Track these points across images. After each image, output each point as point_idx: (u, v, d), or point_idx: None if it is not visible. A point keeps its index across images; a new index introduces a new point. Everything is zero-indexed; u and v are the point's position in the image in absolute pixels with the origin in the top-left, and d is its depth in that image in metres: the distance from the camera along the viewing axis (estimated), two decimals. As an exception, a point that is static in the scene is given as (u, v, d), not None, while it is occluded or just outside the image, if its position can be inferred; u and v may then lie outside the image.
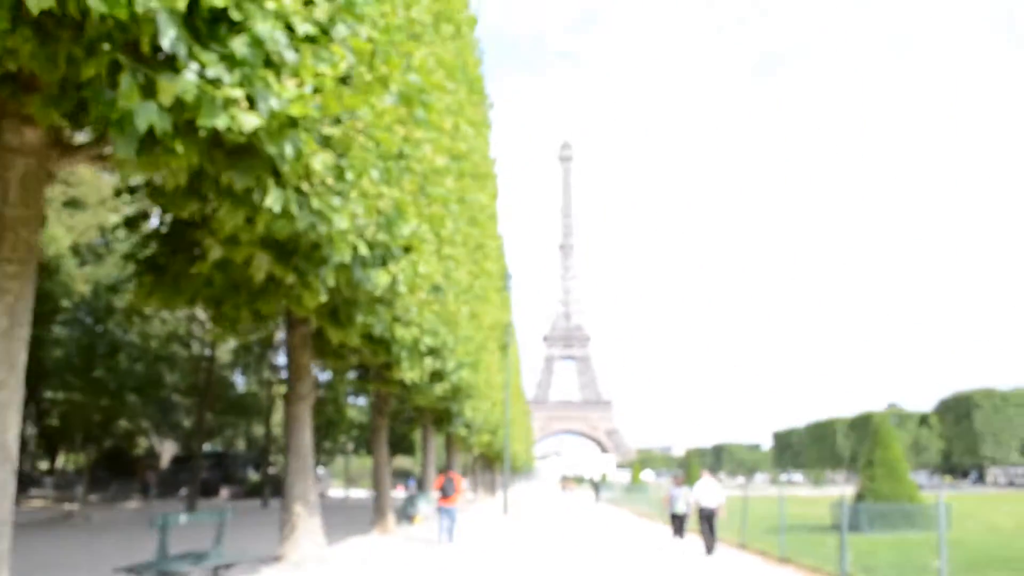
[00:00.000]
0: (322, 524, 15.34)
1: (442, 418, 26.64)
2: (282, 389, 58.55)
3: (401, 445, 58.21)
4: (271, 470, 65.67)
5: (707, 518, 16.68)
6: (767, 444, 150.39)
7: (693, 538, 19.12)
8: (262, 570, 13.71)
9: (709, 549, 16.58)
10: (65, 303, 27.20)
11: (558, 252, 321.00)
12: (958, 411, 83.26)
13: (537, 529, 26.02)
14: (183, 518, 10.63)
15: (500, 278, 34.61)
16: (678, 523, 17.96)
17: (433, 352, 15.64)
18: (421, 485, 31.40)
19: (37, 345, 25.07)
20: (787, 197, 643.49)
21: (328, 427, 47.72)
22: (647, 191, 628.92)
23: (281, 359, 41.31)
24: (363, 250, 8.54)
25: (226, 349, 41.34)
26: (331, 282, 8.71)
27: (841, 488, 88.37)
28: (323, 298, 9.21)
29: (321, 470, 71.54)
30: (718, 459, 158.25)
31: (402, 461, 76.30)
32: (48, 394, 37.27)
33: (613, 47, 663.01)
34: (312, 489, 15.18)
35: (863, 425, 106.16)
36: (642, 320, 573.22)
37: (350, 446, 58.74)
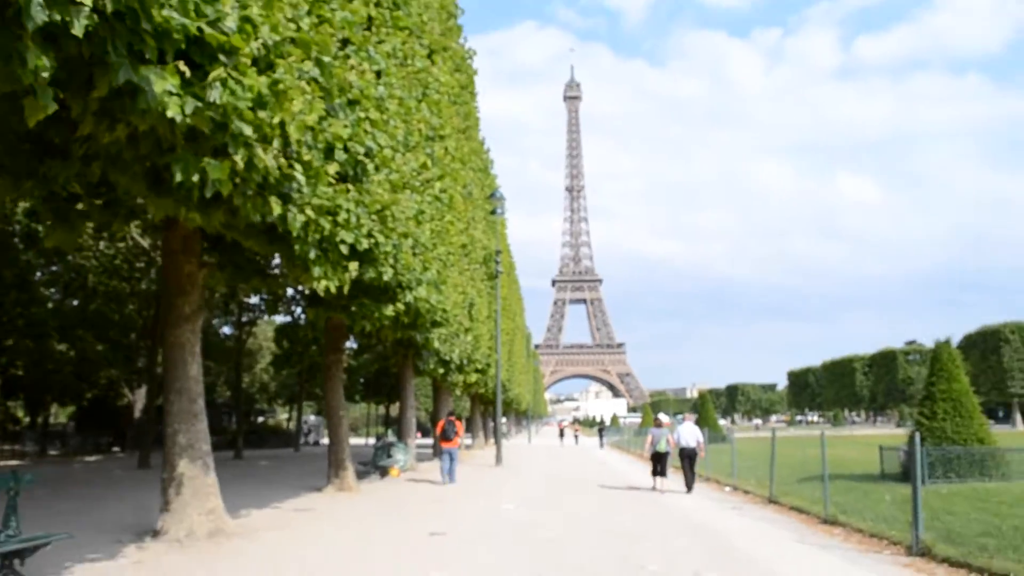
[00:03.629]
0: (216, 483, 11.56)
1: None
2: (259, 334, 55.52)
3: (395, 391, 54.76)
4: (261, 419, 63.15)
5: (688, 457, 18.45)
6: (782, 384, 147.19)
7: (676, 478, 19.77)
8: (118, 555, 9.94)
9: (689, 487, 18.25)
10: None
11: (564, 194, 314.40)
12: (985, 347, 78.72)
13: (525, 483, 22.43)
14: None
15: (483, 193, 30.36)
16: (661, 461, 18.59)
17: (360, 255, 11.65)
18: (401, 432, 27.72)
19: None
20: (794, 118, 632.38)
21: (312, 370, 44.24)
22: (655, 123, 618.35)
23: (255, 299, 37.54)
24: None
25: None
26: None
27: (862, 429, 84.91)
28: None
29: (313, 417, 68.57)
30: (732, 400, 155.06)
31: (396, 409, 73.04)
32: None
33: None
34: (202, 438, 11.40)
35: (883, 362, 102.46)
36: (653, 260, 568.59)
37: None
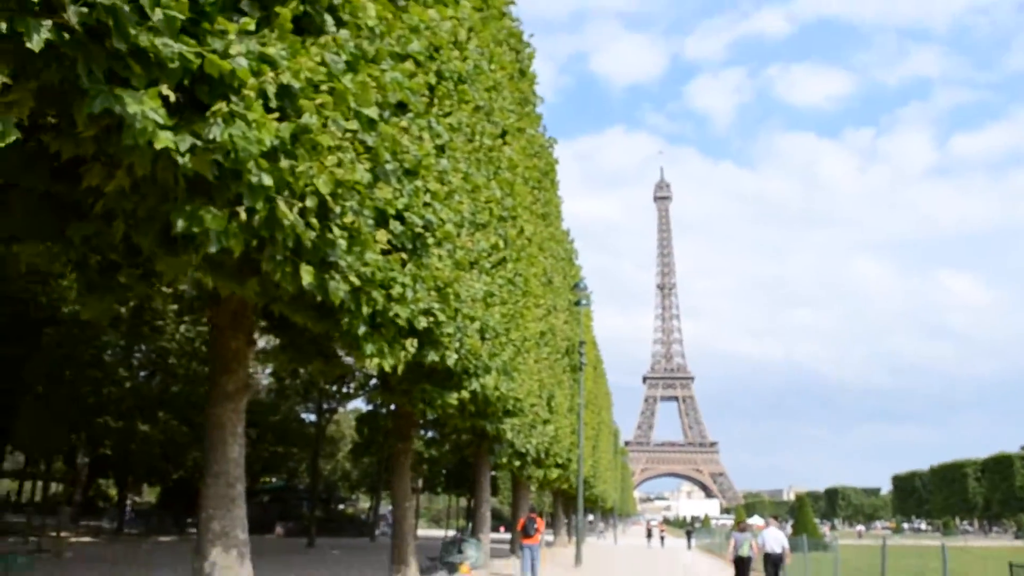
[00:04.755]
0: (251, 574, 10.70)
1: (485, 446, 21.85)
2: (342, 422, 55.33)
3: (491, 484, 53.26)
4: (341, 507, 62.40)
5: (773, 564, 17.90)
6: (886, 488, 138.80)
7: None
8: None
9: None
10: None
11: (656, 292, 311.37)
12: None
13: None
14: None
15: (566, 283, 29.55)
16: (742, 567, 18.09)
17: (418, 334, 10.93)
18: (474, 527, 26.49)
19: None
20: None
21: (391, 460, 43.48)
22: (746, 223, 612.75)
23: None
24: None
25: (266, 373, 37.99)
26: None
27: (977, 539, 78.56)
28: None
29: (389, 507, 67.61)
30: (832, 504, 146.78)
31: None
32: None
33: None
34: (239, 525, 10.60)
35: (997, 468, 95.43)
36: (747, 358, 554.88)
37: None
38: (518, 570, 23.95)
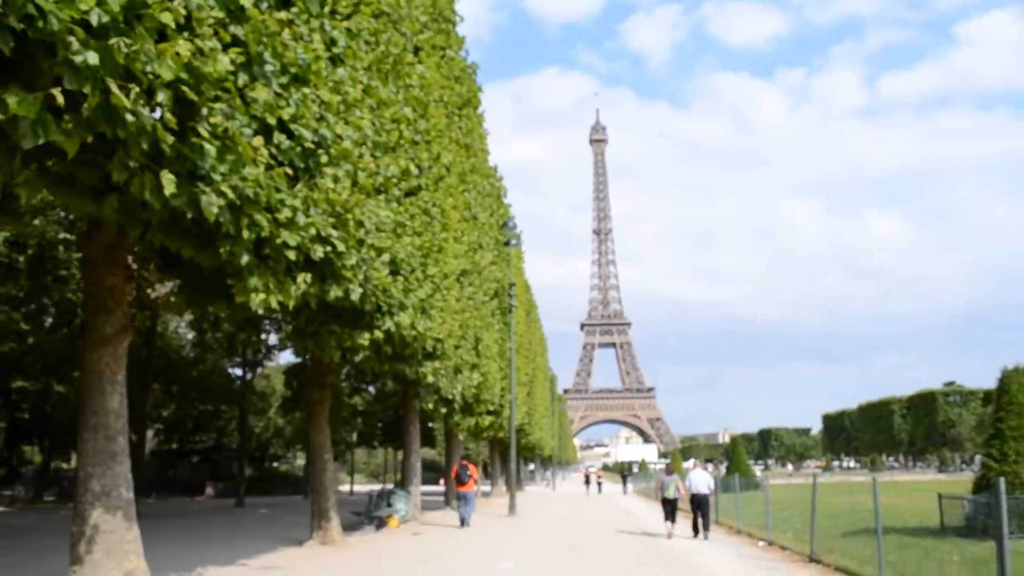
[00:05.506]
0: (138, 539, 9.55)
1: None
2: (273, 376, 53.60)
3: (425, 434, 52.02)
4: (275, 465, 61.03)
5: (698, 503, 18.39)
6: (816, 428, 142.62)
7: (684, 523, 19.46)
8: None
9: (696, 531, 18.31)
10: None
11: (592, 237, 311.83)
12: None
13: (534, 535, 20.27)
14: None
15: (493, 221, 28.38)
16: (669, 507, 18.72)
17: (314, 266, 9.75)
18: (404, 479, 25.61)
19: None
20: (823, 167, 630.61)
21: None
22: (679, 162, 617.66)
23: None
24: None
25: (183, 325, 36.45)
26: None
27: (902, 474, 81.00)
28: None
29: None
30: (765, 445, 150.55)
31: (426, 452, 70.24)
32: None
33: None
34: (122, 483, 9.45)
35: (922, 404, 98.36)
36: (680, 301, 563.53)
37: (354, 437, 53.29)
38: (453, 521, 23.26)
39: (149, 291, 24.66)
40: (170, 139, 6.30)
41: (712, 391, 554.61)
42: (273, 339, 35.17)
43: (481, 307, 24.51)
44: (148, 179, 6.35)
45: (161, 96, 6.12)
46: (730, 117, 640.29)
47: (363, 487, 58.37)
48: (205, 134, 6.65)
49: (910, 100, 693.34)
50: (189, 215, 7.11)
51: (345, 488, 55.66)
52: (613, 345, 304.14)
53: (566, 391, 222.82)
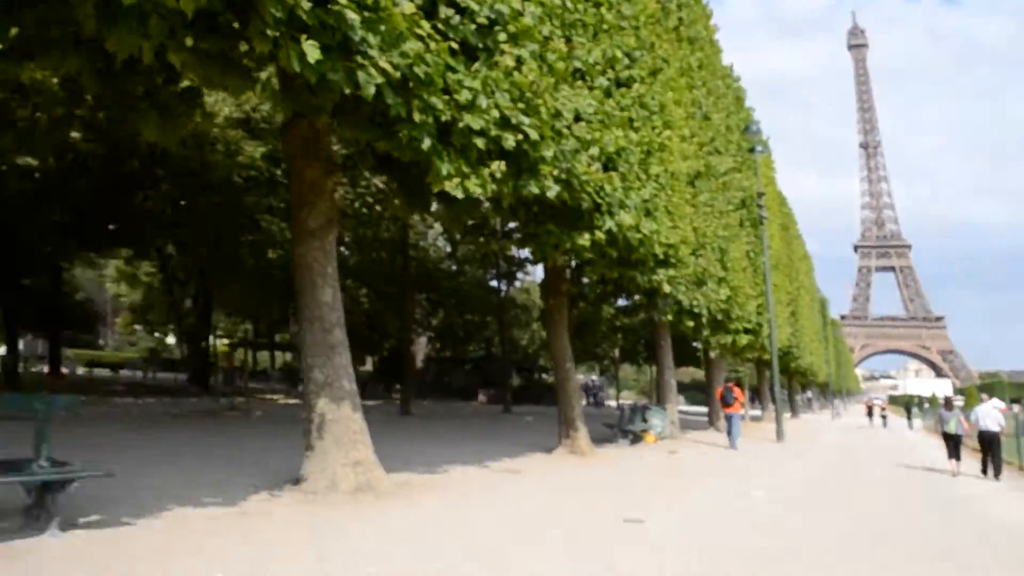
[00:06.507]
0: (364, 430, 9.97)
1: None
2: (530, 289, 54.66)
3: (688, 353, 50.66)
4: (544, 376, 62.86)
5: (987, 441, 17.15)
6: None
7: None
8: (240, 502, 8.69)
9: (984, 470, 17.12)
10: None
11: (859, 152, 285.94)
12: None
13: (797, 465, 19.19)
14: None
15: (730, 123, 26.33)
16: (952, 443, 17.83)
17: (508, 156, 9.45)
18: (660, 396, 25.18)
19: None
20: None
21: (582, 328, 41.75)
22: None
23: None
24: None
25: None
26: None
27: None
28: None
29: (596, 377, 67.43)
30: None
31: (694, 372, 68.77)
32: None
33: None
34: (343, 375, 9.86)
35: None
36: (968, 222, 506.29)
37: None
38: (714, 441, 22.67)
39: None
40: (306, 4, 6.19)
41: (1016, 323, 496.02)
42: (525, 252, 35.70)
43: (722, 216, 23.17)
44: (293, 48, 6.32)
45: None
46: (1008, 11, 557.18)
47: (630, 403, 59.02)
48: (344, 0, 6.47)
49: None
50: (346, 90, 6.97)
51: (612, 403, 56.53)
52: (892, 269, 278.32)
53: (843, 317, 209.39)
